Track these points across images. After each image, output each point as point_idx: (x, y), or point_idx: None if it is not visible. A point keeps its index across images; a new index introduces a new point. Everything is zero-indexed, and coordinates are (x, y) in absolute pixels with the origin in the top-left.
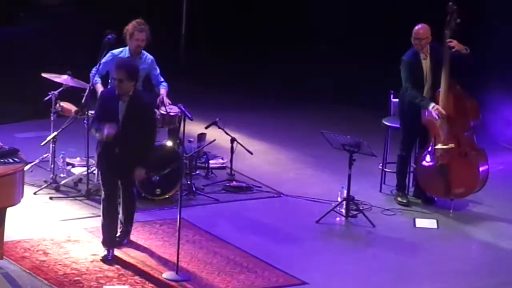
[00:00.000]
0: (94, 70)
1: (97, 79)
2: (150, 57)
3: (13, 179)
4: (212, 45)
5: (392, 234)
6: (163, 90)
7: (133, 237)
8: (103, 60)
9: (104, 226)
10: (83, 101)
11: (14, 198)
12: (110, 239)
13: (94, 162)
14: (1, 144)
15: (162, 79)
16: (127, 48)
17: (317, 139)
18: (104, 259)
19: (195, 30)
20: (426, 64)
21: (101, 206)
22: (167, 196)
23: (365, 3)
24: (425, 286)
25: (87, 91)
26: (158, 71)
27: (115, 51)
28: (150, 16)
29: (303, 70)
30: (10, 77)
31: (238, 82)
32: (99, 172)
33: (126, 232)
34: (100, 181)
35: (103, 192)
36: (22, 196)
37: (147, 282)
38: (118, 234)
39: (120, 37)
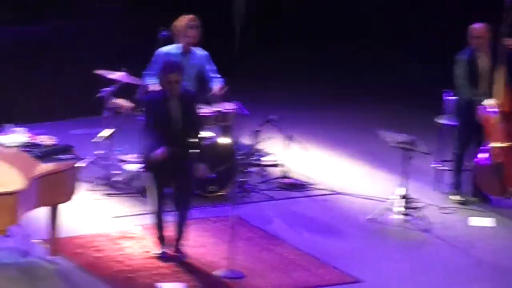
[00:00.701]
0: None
1: (149, 81)
2: (202, 53)
3: (67, 175)
4: (265, 43)
5: (446, 232)
6: (215, 86)
7: (187, 234)
8: (154, 60)
9: (159, 225)
10: (137, 97)
11: (68, 194)
12: (164, 238)
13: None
14: (56, 140)
15: (216, 75)
16: (176, 45)
17: (371, 137)
18: (160, 256)
19: (247, 27)
20: (482, 62)
21: (153, 206)
22: (221, 193)
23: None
24: (476, 286)
25: (141, 88)
26: (214, 67)
27: (164, 49)
28: (201, 11)
29: (356, 68)
30: (63, 74)
31: (292, 80)
32: (154, 174)
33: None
34: (154, 182)
35: (157, 192)
36: (76, 193)
37: (200, 279)
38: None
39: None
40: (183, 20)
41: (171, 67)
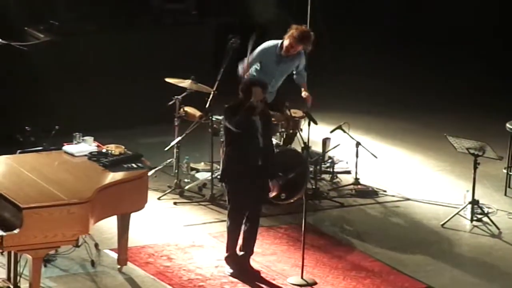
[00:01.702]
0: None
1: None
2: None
3: (136, 184)
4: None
5: None
6: (305, 93)
7: (258, 241)
8: (254, 55)
9: (234, 241)
10: (207, 106)
11: (138, 203)
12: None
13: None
14: (125, 149)
15: (304, 71)
16: (279, 43)
17: (441, 143)
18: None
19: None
20: None
21: (231, 218)
22: (292, 201)
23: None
24: None
25: (211, 95)
26: (304, 62)
27: (267, 45)
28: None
29: (427, 74)
30: (132, 82)
31: (363, 86)
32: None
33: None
34: (234, 196)
35: (237, 205)
36: (146, 202)
37: (272, 287)
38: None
39: (243, 42)
40: (299, 31)
41: (262, 84)
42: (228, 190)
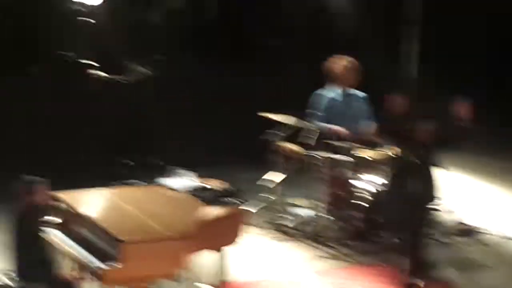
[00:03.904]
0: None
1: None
2: (361, 94)
3: (233, 219)
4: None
5: None
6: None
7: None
8: (318, 106)
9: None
10: (309, 142)
11: (233, 238)
12: None
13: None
14: (226, 184)
15: (371, 118)
16: (335, 88)
17: None
18: None
19: None
20: None
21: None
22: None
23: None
24: None
25: (310, 133)
26: (370, 109)
27: (324, 92)
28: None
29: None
30: (228, 116)
31: None
32: None
33: None
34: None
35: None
36: (240, 237)
37: None
38: None
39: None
40: (342, 63)
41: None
42: None
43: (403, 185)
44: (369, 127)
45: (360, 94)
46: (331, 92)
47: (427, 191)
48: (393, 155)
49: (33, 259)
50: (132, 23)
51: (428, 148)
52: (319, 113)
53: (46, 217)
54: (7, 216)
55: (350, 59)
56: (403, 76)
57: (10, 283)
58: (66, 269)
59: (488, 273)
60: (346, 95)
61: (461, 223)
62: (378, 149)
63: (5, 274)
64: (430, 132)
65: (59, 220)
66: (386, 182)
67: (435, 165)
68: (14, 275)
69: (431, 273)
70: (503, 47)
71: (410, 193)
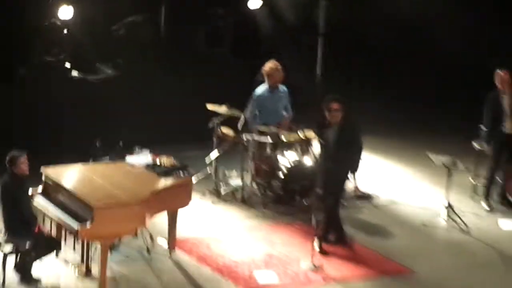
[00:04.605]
0: (249, 114)
1: (256, 125)
2: (284, 89)
3: (183, 188)
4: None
5: (481, 233)
6: (286, 118)
7: (279, 234)
8: (251, 104)
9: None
10: (239, 127)
11: (185, 202)
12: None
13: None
14: (174, 161)
15: (290, 109)
16: (265, 85)
17: (423, 159)
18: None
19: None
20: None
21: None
22: (305, 204)
23: None
24: (503, 274)
25: (241, 120)
26: (290, 101)
27: (257, 91)
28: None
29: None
30: (181, 107)
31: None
32: None
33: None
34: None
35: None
36: (190, 200)
37: (288, 269)
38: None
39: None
40: (269, 65)
41: (332, 97)
42: None
43: (322, 161)
44: (288, 115)
45: (283, 88)
46: (261, 89)
47: (341, 166)
48: (306, 138)
49: (18, 219)
50: (99, 33)
51: (341, 131)
52: (251, 109)
53: (29, 185)
54: None
55: (275, 61)
56: (315, 75)
57: (0, 238)
58: (47, 228)
59: (379, 229)
60: (272, 90)
61: (359, 190)
62: (294, 133)
63: None
64: (341, 117)
65: (41, 188)
66: (298, 158)
67: (348, 145)
68: (2, 232)
69: (339, 230)
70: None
71: (327, 168)
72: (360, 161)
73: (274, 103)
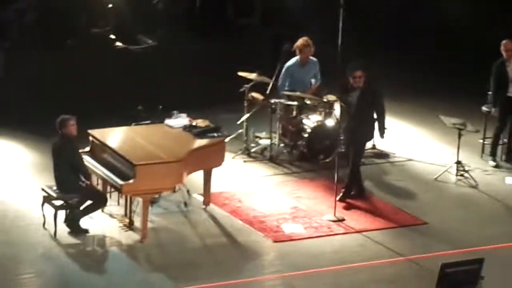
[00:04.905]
0: (280, 82)
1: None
2: (314, 60)
3: (217, 148)
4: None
5: (488, 188)
6: (314, 85)
7: (304, 188)
8: (283, 73)
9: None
10: (267, 92)
11: (219, 161)
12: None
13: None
14: (209, 123)
15: (319, 78)
16: (296, 58)
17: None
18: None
19: None
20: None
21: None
22: (327, 161)
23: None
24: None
25: (270, 85)
26: (318, 71)
27: (288, 63)
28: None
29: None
30: (215, 76)
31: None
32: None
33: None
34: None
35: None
36: (223, 160)
37: (313, 221)
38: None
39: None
40: (301, 41)
41: (355, 66)
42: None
43: (346, 122)
44: (316, 83)
45: (312, 60)
46: (292, 61)
47: (363, 126)
48: (328, 101)
49: (68, 177)
50: (140, 7)
51: (364, 94)
52: (282, 78)
53: (78, 146)
54: (49, 145)
55: (306, 38)
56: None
57: (52, 193)
58: (94, 183)
59: (395, 184)
60: (302, 64)
61: (376, 148)
62: (320, 98)
63: (49, 188)
64: (363, 80)
65: (88, 149)
66: (321, 120)
67: (370, 107)
68: (55, 188)
69: (360, 185)
70: None
71: (351, 128)
72: (386, 124)
73: (303, 75)
